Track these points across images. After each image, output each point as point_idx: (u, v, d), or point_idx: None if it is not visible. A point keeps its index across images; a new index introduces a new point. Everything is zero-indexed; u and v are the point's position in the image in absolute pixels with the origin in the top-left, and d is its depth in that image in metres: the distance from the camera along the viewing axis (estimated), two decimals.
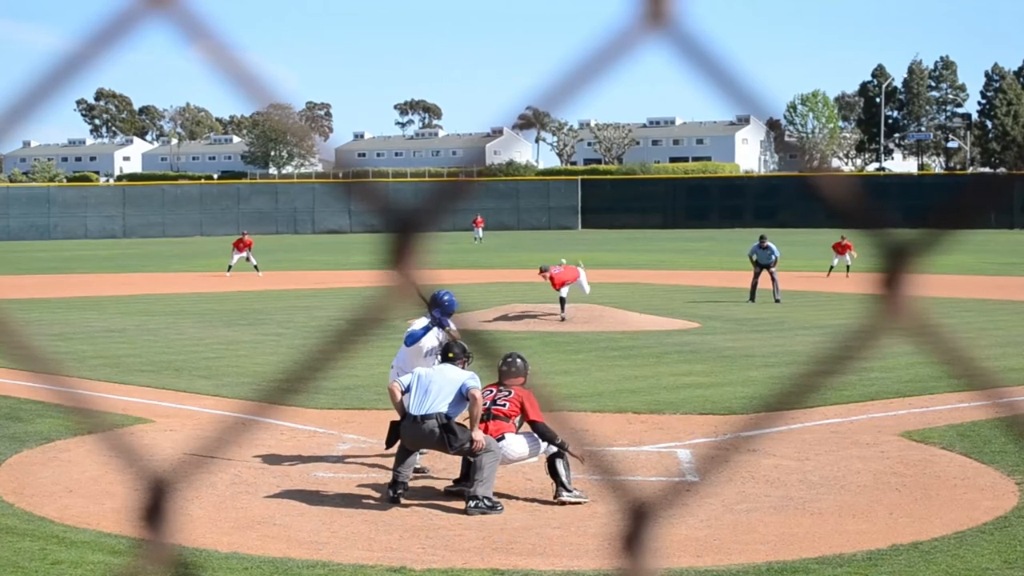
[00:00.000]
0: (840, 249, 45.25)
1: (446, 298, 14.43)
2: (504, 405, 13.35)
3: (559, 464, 13.08)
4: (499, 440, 13.10)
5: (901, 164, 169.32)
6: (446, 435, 12.91)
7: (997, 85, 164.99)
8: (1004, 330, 28.43)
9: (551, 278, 30.32)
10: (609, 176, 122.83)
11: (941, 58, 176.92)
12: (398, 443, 13.21)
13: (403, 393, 13.19)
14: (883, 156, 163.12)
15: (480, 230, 78.48)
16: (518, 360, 13.72)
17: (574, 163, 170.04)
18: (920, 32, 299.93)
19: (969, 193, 1.39)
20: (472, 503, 12.67)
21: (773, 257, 36.82)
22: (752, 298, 36.11)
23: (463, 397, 13.07)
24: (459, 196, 1.48)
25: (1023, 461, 14.31)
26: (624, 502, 1.59)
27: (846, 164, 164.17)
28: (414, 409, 13.02)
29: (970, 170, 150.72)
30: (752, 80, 1.32)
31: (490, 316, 30.78)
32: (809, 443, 15.74)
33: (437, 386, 13.10)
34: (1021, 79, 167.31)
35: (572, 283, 30.61)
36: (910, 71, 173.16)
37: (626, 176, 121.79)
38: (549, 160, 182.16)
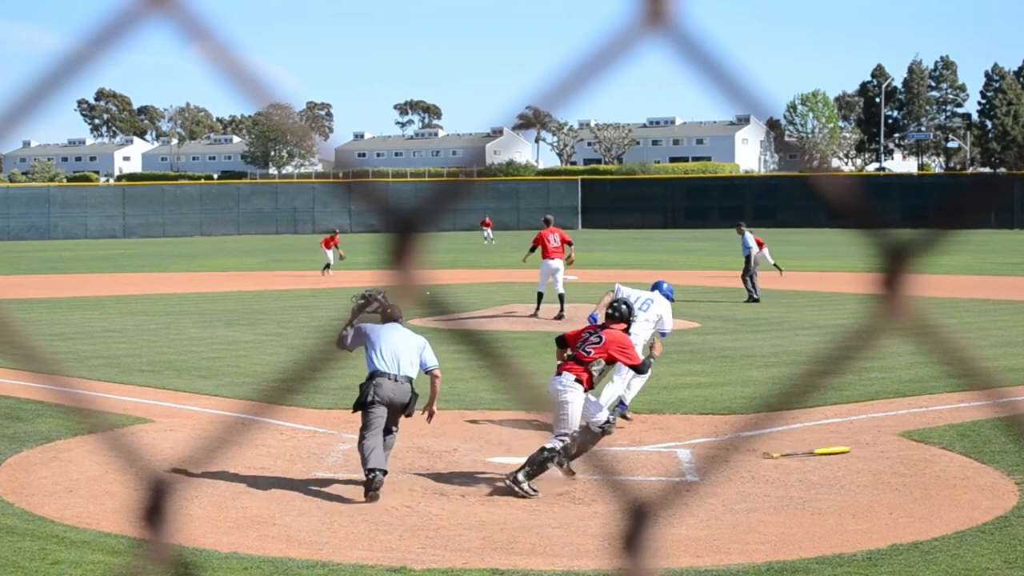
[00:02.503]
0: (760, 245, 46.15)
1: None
2: (589, 352, 13.92)
3: (547, 456, 13.27)
4: (558, 377, 13.73)
5: (901, 164, 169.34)
6: (411, 403, 13.44)
7: (997, 85, 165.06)
8: (1004, 330, 28.42)
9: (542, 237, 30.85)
10: (609, 176, 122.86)
11: (941, 58, 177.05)
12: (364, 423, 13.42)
13: (349, 348, 13.61)
14: (883, 156, 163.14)
15: (490, 230, 78.47)
16: (623, 306, 14.78)
17: (574, 163, 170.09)
18: (920, 32, 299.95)
19: (968, 193, 1.39)
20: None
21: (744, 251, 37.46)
22: (755, 297, 36.30)
23: (428, 371, 13.59)
24: (459, 196, 1.48)
25: (1023, 461, 14.31)
26: (624, 502, 1.59)
27: (846, 164, 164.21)
28: (389, 368, 13.37)
29: (970, 170, 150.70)
30: (751, 80, 1.32)
31: (489, 316, 30.78)
32: (809, 443, 15.73)
33: (404, 349, 13.52)
34: (1021, 79, 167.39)
35: (560, 260, 30.68)
36: (910, 71, 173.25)
37: (626, 176, 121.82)
38: (549, 160, 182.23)
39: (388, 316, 13.91)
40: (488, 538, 11.64)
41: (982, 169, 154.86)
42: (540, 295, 30.90)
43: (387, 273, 1.38)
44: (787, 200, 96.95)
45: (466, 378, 19.16)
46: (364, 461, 13.07)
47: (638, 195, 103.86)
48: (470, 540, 11.57)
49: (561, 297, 30.62)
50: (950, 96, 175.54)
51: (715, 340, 26.80)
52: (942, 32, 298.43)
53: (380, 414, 13.29)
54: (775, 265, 44.99)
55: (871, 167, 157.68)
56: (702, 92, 1.24)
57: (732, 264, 50.00)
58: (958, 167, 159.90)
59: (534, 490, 13.20)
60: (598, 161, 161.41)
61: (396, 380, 13.38)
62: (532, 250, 31.43)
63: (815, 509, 12.73)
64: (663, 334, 18.41)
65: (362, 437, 13.25)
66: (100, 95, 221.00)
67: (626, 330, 14.61)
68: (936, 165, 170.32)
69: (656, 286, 18.78)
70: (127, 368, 22.63)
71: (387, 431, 13.41)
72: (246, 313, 33.55)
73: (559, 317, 30.07)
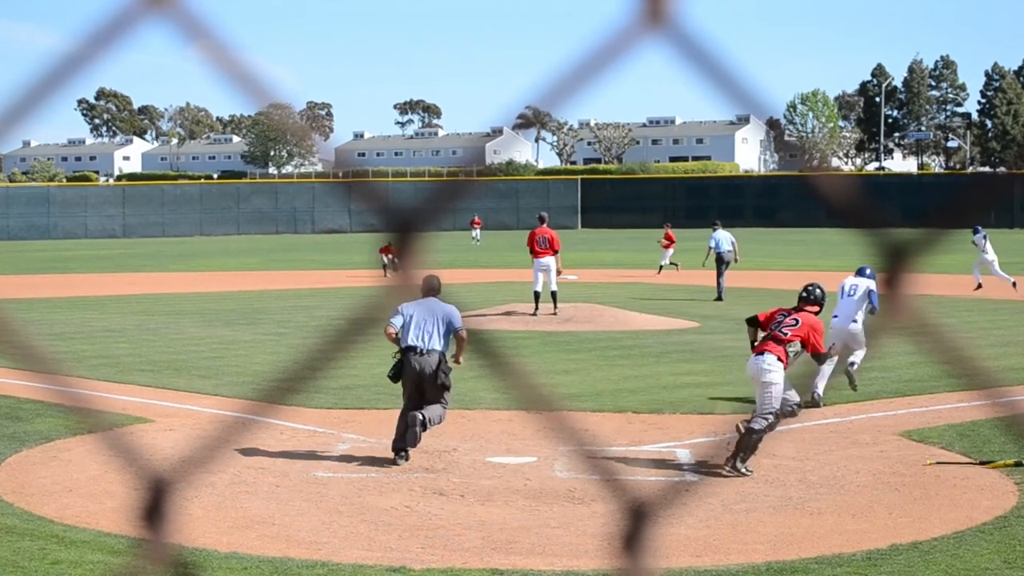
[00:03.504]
0: (667, 243, 46.82)
1: None
2: (786, 333, 14.75)
3: (757, 436, 14.00)
4: (760, 356, 14.44)
5: (901, 163, 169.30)
6: (440, 370, 14.55)
7: (997, 84, 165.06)
8: (1004, 329, 28.42)
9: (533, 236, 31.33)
10: (609, 176, 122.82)
11: (941, 57, 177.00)
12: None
13: (396, 331, 14.74)
14: (883, 155, 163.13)
15: (478, 230, 78.26)
16: (817, 290, 15.69)
17: (574, 163, 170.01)
18: (920, 31, 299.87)
19: (967, 192, 1.39)
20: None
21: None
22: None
23: (451, 333, 14.70)
24: (459, 196, 1.48)
25: (1023, 460, 14.30)
26: (623, 502, 1.59)
27: (846, 163, 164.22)
28: (417, 342, 14.58)
29: (970, 169, 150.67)
30: (750, 79, 1.33)
31: (489, 315, 30.78)
32: (808, 443, 15.74)
33: (431, 321, 14.66)
34: (1021, 78, 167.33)
35: (550, 257, 30.89)
36: (910, 70, 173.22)
37: (626, 176, 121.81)
38: (549, 160, 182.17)
39: (426, 289, 14.98)
40: (487, 538, 11.64)
41: (982, 168, 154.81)
42: (537, 294, 30.97)
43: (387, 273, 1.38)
44: (787, 200, 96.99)
45: (465, 377, 19.15)
46: (394, 439, 14.58)
47: (638, 194, 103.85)
48: (469, 540, 11.56)
49: (554, 295, 30.71)
50: (950, 95, 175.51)
51: (715, 340, 26.78)
52: (942, 31, 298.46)
53: (412, 388, 14.63)
54: (672, 263, 45.88)
55: (871, 166, 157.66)
56: (701, 91, 1.24)
57: (734, 264, 50.01)
58: (958, 166, 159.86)
59: (749, 470, 13.98)
60: (598, 161, 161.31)
61: (423, 354, 14.59)
62: (531, 252, 31.57)
63: (814, 509, 12.73)
64: (874, 311, 19.42)
65: (401, 413, 14.69)
66: (100, 95, 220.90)
67: (818, 313, 15.37)
68: (936, 164, 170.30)
69: (859, 272, 20.22)
70: (127, 368, 22.62)
71: (431, 402, 14.60)
72: (246, 313, 33.54)
73: (553, 314, 30.15)
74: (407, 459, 14.54)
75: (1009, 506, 12.71)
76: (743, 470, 13.94)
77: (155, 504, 1.69)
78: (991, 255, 39.67)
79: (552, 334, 27.61)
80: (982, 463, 14.41)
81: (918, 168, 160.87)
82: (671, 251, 47.25)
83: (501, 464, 14.63)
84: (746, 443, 13.97)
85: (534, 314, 30.55)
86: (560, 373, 21.64)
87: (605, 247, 69.88)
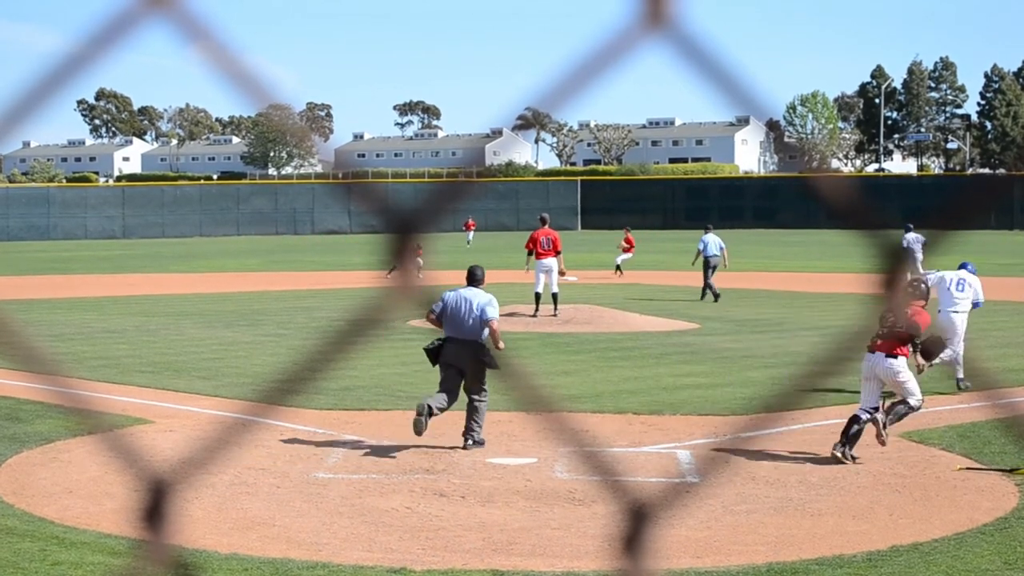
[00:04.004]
0: (627, 247, 47.13)
1: None
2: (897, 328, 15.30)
3: (904, 409, 15.05)
4: (889, 358, 14.78)
5: (901, 165, 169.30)
6: (478, 357, 15.35)
7: (997, 86, 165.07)
8: (1004, 331, 28.41)
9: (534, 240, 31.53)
10: (608, 177, 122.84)
11: (941, 59, 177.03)
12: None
13: (436, 315, 15.66)
14: (883, 157, 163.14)
15: (472, 233, 78.01)
16: (922, 285, 16.30)
17: (573, 164, 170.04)
18: (920, 33, 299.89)
19: (966, 194, 1.39)
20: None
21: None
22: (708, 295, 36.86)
23: (485, 321, 15.52)
24: (458, 197, 1.48)
25: (1023, 462, 14.29)
26: (624, 503, 1.59)
27: (845, 165, 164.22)
28: (455, 332, 15.47)
29: (969, 171, 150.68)
30: (751, 81, 1.32)
31: None
32: (809, 444, 15.72)
33: (468, 311, 15.55)
34: (1021, 80, 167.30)
35: (552, 258, 31.04)
36: (910, 72, 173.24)
37: (625, 177, 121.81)
38: (549, 161, 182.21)
39: (470, 278, 16.27)
40: (488, 539, 11.63)
41: (981, 170, 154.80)
42: (538, 295, 31.02)
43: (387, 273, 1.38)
44: (786, 201, 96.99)
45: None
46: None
47: (638, 196, 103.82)
48: (470, 541, 11.56)
49: (555, 296, 30.80)
50: (949, 97, 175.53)
51: (715, 341, 26.79)
52: (942, 33, 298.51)
53: (448, 374, 15.52)
54: (617, 266, 46.14)
55: (871, 168, 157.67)
56: (701, 93, 1.23)
57: (733, 265, 50.04)
58: (958, 168, 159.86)
59: (883, 440, 15.10)
60: (597, 162, 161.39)
61: (459, 342, 15.44)
62: (530, 253, 31.69)
63: (815, 510, 12.73)
64: (977, 304, 20.60)
65: (438, 389, 15.55)
66: (100, 95, 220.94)
67: (923, 307, 15.81)
68: (936, 166, 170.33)
69: (962, 266, 20.84)
70: (127, 369, 22.62)
71: (470, 390, 15.53)
72: (246, 314, 33.53)
73: (554, 316, 30.20)
74: (425, 426, 15.06)
75: (1010, 507, 12.70)
76: (884, 425, 15.00)
77: (155, 505, 1.68)
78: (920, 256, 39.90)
79: (552, 335, 27.60)
80: (1012, 471, 14.21)
81: (918, 170, 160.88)
82: (629, 255, 48.01)
83: (502, 465, 14.62)
84: (897, 412, 15.13)
85: (534, 315, 30.57)
86: (560, 375, 21.63)
87: (605, 248, 69.84)
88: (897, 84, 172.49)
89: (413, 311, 16.00)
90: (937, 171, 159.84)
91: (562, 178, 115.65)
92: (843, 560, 10.88)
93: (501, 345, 15.62)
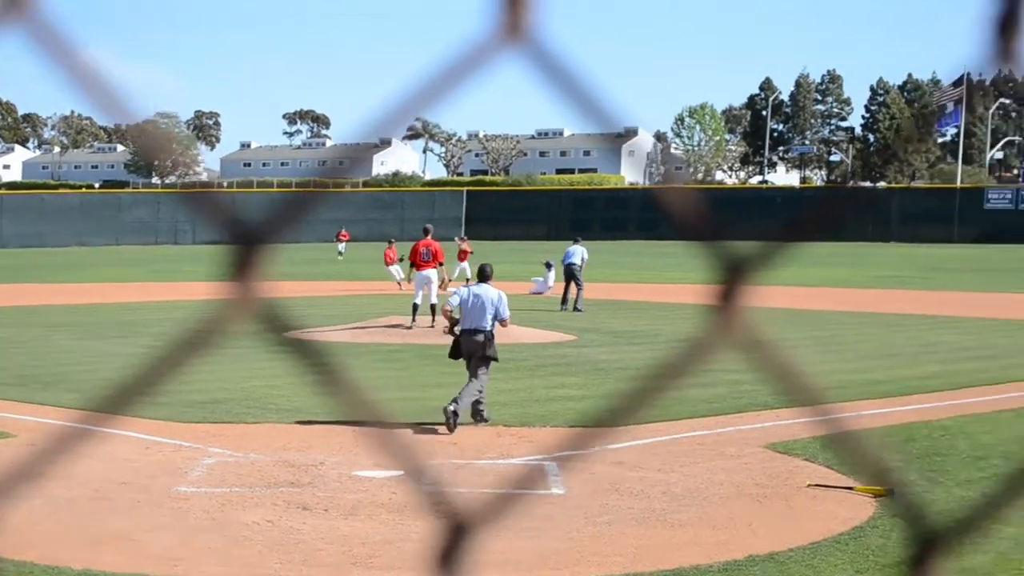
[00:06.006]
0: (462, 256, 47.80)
1: None
2: None
3: None
4: None
5: (784, 177, 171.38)
6: (487, 344, 17.74)
7: (882, 99, 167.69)
8: (869, 342, 28.93)
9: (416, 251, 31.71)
10: (495, 188, 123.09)
11: (828, 72, 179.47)
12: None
13: (452, 310, 18.16)
14: (767, 169, 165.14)
15: (344, 244, 77.52)
16: None
17: (461, 174, 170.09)
18: (810, 46, 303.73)
19: (815, 207, 1.41)
20: None
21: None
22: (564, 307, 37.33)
23: (496, 319, 17.95)
24: (309, 207, 1.46)
25: (881, 473, 14.51)
26: (445, 515, 1.58)
27: (730, 176, 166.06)
28: (468, 324, 17.82)
29: (851, 183, 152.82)
30: (606, 94, 1.33)
31: (369, 327, 30.69)
32: (675, 455, 15.88)
33: (480, 306, 17.83)
34: (905, 93, 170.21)
35: (432, 270, 31.07)
36: (797, 84, 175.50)
37: (512, 188, 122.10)
38: (437, 171, 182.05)
39: (481, 276, 18.55)
40: (348, 552, 11.59)
41: (863, 183, 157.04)
42: (415, 306, 30.96)
43: (227, 286, 1.37)
44: (672, 213, 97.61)
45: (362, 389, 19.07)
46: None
47: (524, 206, 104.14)
48: (330, 554, 11.51)
49: (433, 308, 30.76)
50: (835, 110, 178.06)
51: (591, 353, 26.94)
52: (831, 47, 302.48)
53: (471, 364, 17.73)
54: (403, 279, 46.40)
55: (755, 180, 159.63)
56: (558, 106, 1.25)
57: (614, 276, 50.40)
58: (839, 180, 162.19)
59: None
60: (485, 172, 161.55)
61: (472, 334, 17.75)
62: (412, 265, 31.72)
63: (676, 521, 12.85)
64: None
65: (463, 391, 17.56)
66: None
67: None
68: (818, 178, 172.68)
69: None
70: None
71: (474, 374, 17.61)
72: (120, 325, 33.11)
73: (431, 327, 30.18)
74: (455, 425, 17.09)
75: (866, 516, 12.91)
76: None
77: None
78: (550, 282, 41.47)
79: (429, 347, 27.53)
80: (851, 488, 14.41)
81: (800, 182, 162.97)
82: (465, 264, 48.22)
83: (368, 478, 14.58)
84: None
85: (410, 327, 30.52)
86: (434, 387, 21.56)
87: (490, 258, 69.98)
88: (785, 96, 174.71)
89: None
90: (819, 183, 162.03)
91: (448, 188, 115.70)
92: (700, 570, 10.99)
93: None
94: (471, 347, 17.75)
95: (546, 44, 1.21)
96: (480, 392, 17.67)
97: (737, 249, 1.32)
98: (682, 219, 1.34)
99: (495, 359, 17.88)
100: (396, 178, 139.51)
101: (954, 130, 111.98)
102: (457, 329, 18.10)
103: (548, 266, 44.58)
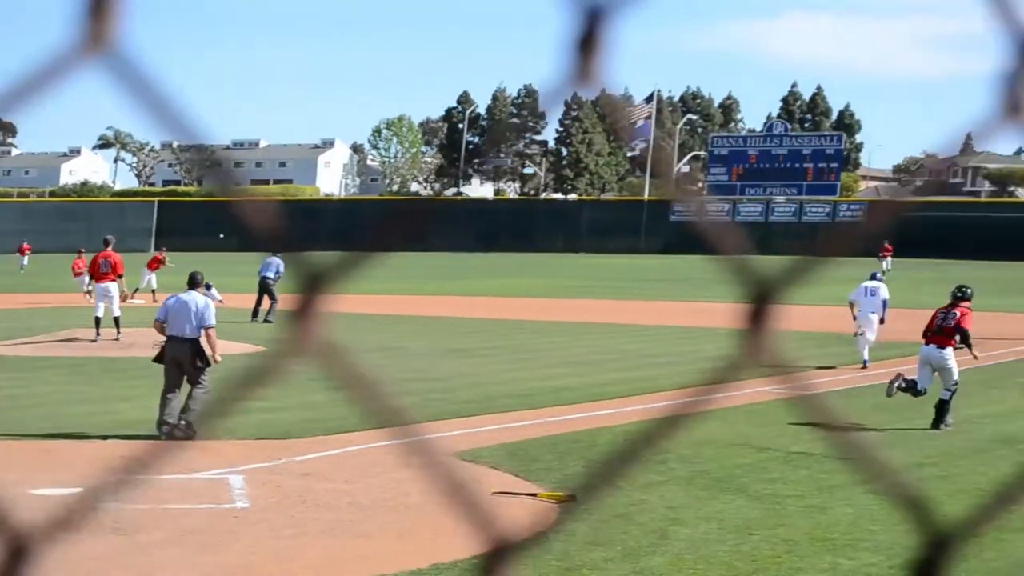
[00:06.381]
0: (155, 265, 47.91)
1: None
2: (950, 323, 19.54)
3: (952, 400, 18.88)
4: (942, 349, 19.30)
5: (479, 189, 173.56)
6: (196, 355, 17.38)
7: (575, 114, 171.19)
8: (559, 350, 29.52)
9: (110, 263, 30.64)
10: (188, 199, 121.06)
11: (525, 86, 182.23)
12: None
13: (162, 321, 17.69)
14: (461, 181, 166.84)
15: (27, 257, 74.99)
16: (968, 290, 19.93)
17: (152, 184, 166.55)
18: (507, 61, 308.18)
19: (393, 218, 1.37)
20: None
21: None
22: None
23: (201, 327, 17.54)
24: None
25: (565, 479, 14.81)
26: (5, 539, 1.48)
27: (425, 188, 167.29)
28: (175, 331, 17.44)
29: (543, 196, 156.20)
30: (187, 106, 1.27)
31: (49, 341, 29.74)
32: (362, 466, 15.83)
33: (185, 314, 17.51)
34: (597, 109, 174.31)
35: (112, 282, 30.28)
36: (494, 98, 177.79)
37: (205, 199, 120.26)
38: (129, 181, 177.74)
39: (190, 283, 18.39)
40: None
41: (555, 195, 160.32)
42: (98, 320, 30.15)
43: None
44: (365, 223, 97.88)
45: (46, 404, 18.49)
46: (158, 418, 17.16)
47: (216, 218, 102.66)
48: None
49: (116, 320, 30.08)
50: (530, 123, 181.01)
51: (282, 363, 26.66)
52: (528, 61, 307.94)
53: (169, 371, 17.51)
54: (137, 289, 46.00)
55: (449, 192, 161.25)
56: (138, 118, 1.18)
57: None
58: (532, 192, 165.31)
59: (948, 424, 18.74)
60: (178, 183, 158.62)
61: (177, 341, 17.41)
62: (92, 277, 31.01)
63: (363, 531, 12.82)
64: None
65: (163, 392, 17.46)
66: None
67: (969, 307, 19.73)
68: (512, 191, 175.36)
69: (872, 276, 27.49)
70: None
71: (192, 383, 17.40)
72: None
73: (116, 340, 29.52)
74: (170, 434, 16.99)
75: (549, 522, 13.10)
76: (948, 421, 18.72)
77: None
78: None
79: (114, 360, 26.84)
80: (533, 495, 14.62)
81: (494, 194, 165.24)
82: (153, 274, 47.60)
83: (44, 496, 14.04)
84: (941, 408, 18.75)
85: (95, 340, 29.71)
86: (119, 400, 21.06)
87: (182, 272, 68.82)
88: (482, 110, 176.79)
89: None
90: (512, 196, 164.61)
91: (138, 199, 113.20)
92: None
93: (218, 358, 17.71)
94: (175, 353, 17.47)
95: (131, 54, 1.17)
96: (195, 400, 17.42)
97: (320, 259, 1.30)
98: (258, 231, 1.31)
99: (208, 364, 17.59)
100: (85, 188, 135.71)
101: (643, 144, 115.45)
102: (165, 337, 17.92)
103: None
